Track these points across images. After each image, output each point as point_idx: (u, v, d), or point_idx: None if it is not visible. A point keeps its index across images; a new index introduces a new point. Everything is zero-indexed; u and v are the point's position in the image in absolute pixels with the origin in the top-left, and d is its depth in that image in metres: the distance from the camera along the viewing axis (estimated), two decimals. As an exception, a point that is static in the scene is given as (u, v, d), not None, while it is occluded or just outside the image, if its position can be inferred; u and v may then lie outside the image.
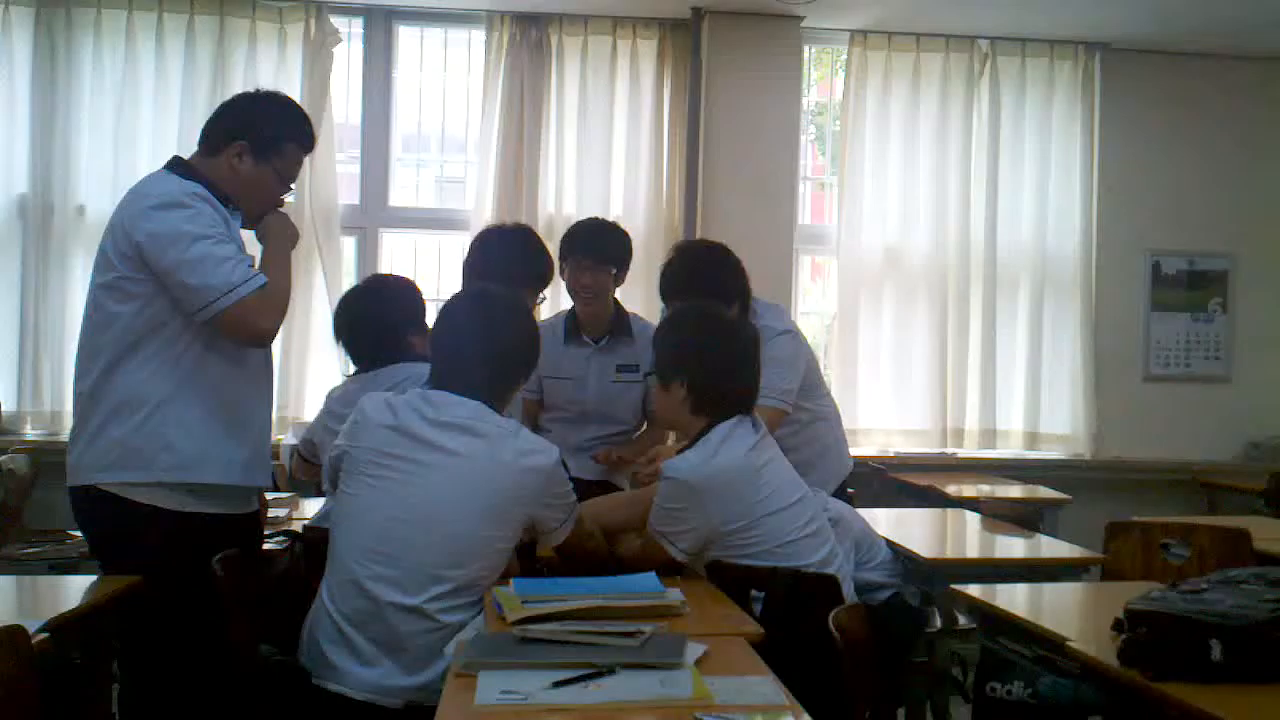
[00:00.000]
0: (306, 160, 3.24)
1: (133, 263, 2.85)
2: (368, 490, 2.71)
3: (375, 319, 3.49)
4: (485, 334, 2.84)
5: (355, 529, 2.69)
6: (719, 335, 3.12)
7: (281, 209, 3.15)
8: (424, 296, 3.64)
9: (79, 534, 3.60)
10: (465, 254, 3.83)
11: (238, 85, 5.75)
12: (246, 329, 2.86)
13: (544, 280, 3.78)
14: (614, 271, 3.98)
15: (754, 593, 2.91)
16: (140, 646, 2.91)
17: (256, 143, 3.01)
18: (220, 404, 2.95)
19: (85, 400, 2.94)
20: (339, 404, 3.45)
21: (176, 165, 3.03)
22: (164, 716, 2.89)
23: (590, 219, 4.27)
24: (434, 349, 2.89)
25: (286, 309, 2.99)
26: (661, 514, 2.98)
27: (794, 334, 3.91)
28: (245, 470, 3.01)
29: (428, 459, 2.68)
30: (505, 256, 3.67)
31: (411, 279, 3.70)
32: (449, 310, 2.92)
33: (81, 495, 2.95)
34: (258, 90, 3.21)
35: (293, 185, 3.15)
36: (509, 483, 2.70)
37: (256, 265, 2.97)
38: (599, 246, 3.97)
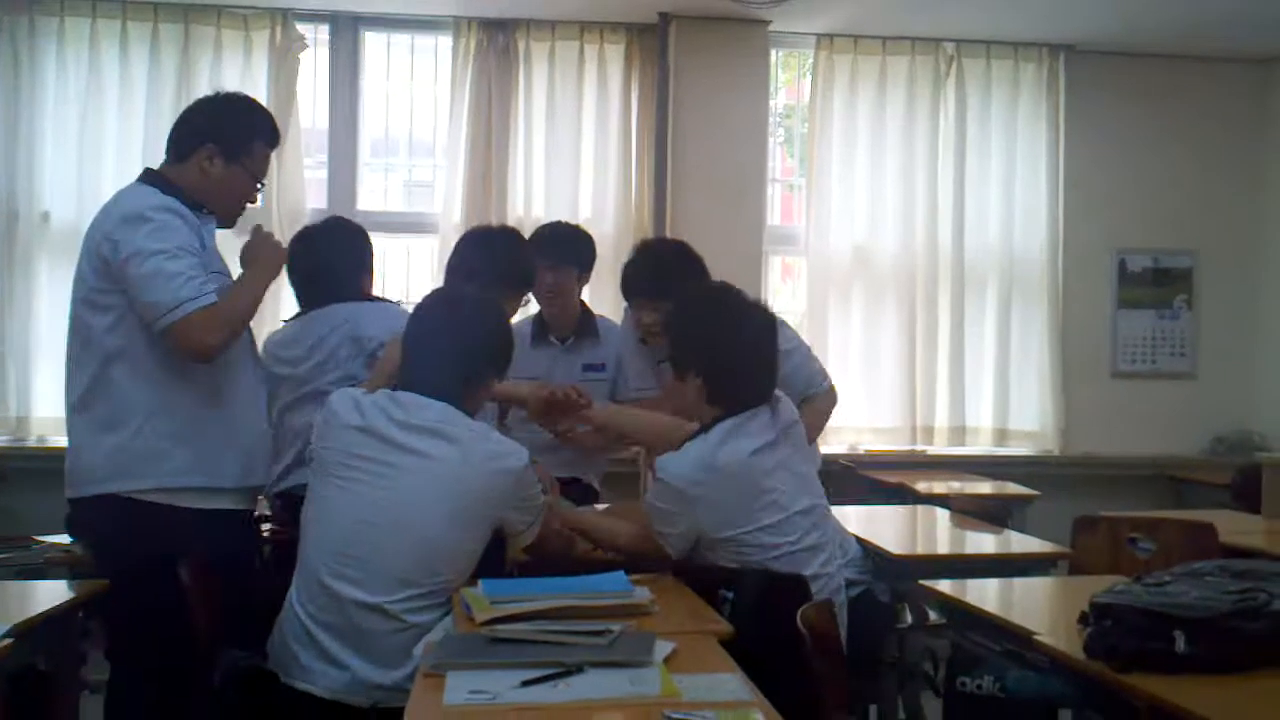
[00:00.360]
0: (274, 164, 3.26)
1: (103, 276, 2.88)
2: (336, 492, 2.71)
3: (322, 263, 3.50)
4: (454, 334, 2.85)
5: (324, 531, 2.69)
6: (735, 323, 3.01)
7: (255, 203, 3.18)
8: (372, 245, 3.64)
9: (46, 540, 3.57)
10: (450, 254, 3.82)
11: (203, 92, 5.58)
12: (189, 344, 2.85)
13: (527, 282, 3.76)
14: (576, 272, 4.04)
15: (723, 592, 2.90)
16: (142, 644, 2.88)
17: (225, 145, 3.03)
18: (209, 409, 2.97)
19: (75, 412, 2.95)
20: (278, 346, 3.48)
21: (148, 176, 3.04)
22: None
23: (553, 222, 4.32)
24: (404, 350, 2.89)
25: (237, 328, 2.96)
26: (655, 512, 2.94)
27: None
28: (244, 473, 3.04)
29: (397, 461, 2.68)
30: (489, 257, 3.66)
31: (359, 226, 3.70)
32: (419, 312, 2.94)
33: (84, 504, 2.94)
34: (220, 93, 3.23)
35: (264, 182, 3.16)
36: (479, 486, 2.70)
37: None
38: (560, 247, 4.02)
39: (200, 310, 2.81)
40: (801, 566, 2.89)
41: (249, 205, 3.17)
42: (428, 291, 3.13)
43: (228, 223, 3.14)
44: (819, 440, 4.06)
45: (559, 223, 4.31)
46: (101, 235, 2.88)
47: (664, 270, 3.70)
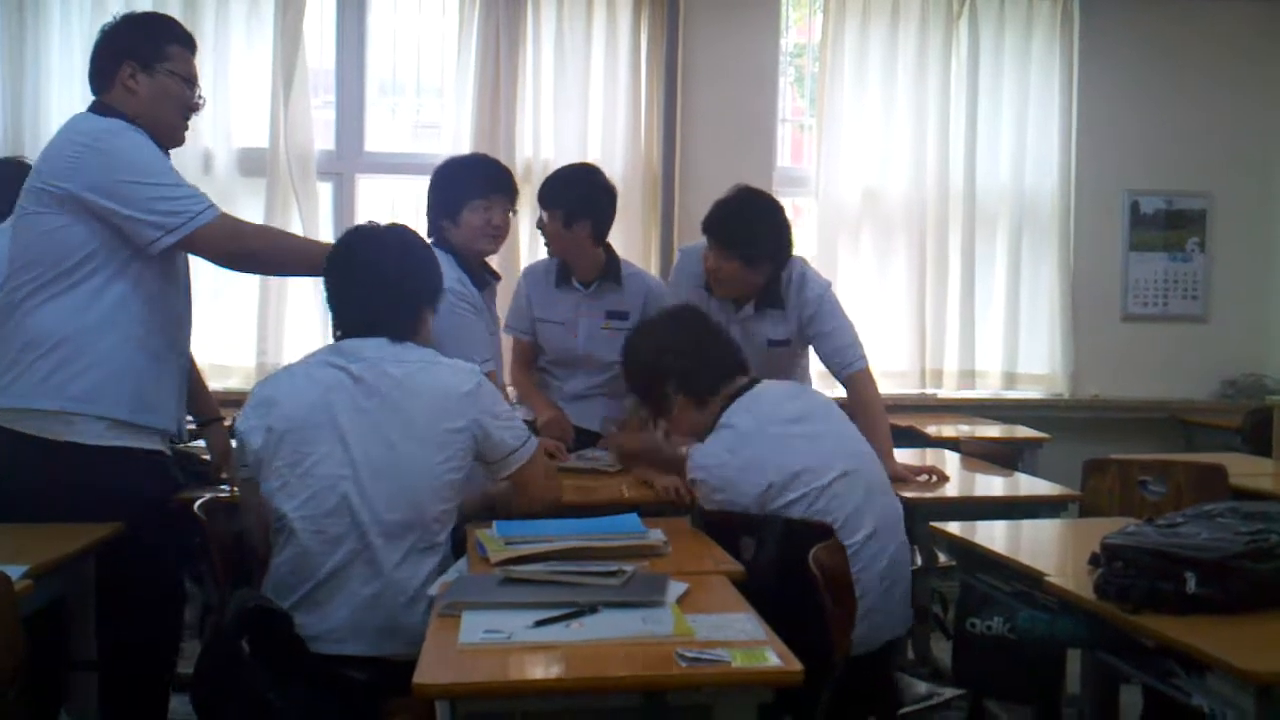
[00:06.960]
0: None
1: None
2: (301, 456, 2.64)
3: None
4: (375, 270, 2.77)
5: (296, 494, 2.64)
6: (667, 327, 3.20)
7: (196, 111, 3.12)
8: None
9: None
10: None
11: (209, 29, 5.67)
12: None
13: (499, 185, 3.77)
14: (562, 215, 3.91)
15: (745, 538, 2.91)
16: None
17: (138, 56, 2.97)
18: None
19: None
20: None
21: (97, 107, 3.03)
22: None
23: (563, 166, 4.29)
24: (330, 300, 2.83)
25: None
26: (712, 505, 3.00)
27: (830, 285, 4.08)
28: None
29: (352, 407, 2.64)
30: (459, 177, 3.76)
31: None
32: (334, 258, 2.85)
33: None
34: (114, 17, 3.19)
35: (197, 86, 3.09)
36: (436, 408, 2.67)
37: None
38: (548, 190, 3.99)
39: None
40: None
41: (194, 115, 3.12)
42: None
43: (174, 140, 3.07)
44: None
45: (568, 165, 4.29)
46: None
47: (741, 222, 3.73)
